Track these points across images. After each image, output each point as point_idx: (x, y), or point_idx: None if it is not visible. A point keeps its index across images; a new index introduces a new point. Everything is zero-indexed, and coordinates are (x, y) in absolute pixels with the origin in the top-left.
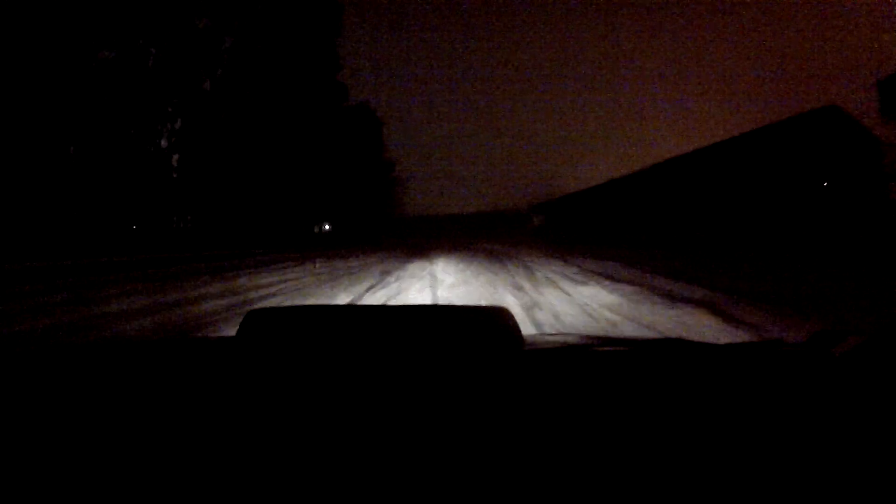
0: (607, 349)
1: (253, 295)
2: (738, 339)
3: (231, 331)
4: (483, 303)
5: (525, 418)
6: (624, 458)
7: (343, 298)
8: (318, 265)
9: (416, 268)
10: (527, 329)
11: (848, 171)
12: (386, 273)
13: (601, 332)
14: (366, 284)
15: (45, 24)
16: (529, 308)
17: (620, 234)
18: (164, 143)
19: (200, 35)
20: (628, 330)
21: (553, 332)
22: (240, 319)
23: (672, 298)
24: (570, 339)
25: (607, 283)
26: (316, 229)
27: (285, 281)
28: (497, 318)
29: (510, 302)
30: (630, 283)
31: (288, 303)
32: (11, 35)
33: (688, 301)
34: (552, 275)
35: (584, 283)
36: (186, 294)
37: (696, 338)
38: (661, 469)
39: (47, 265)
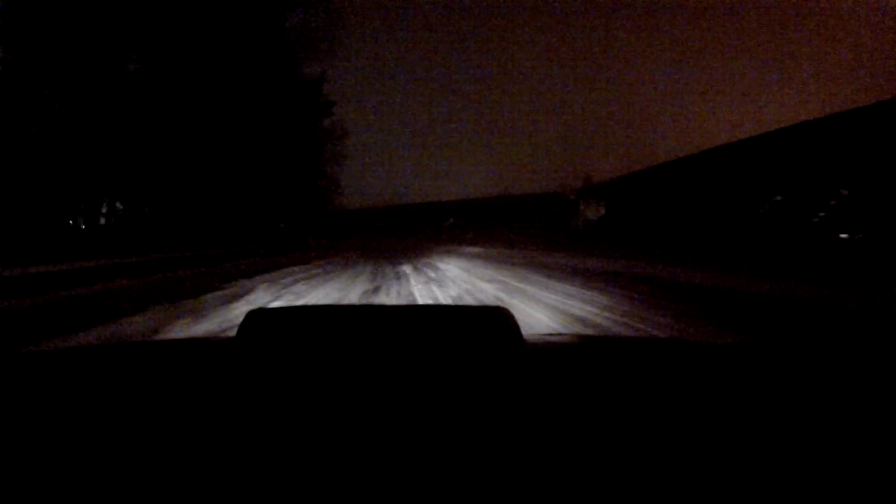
0: (607, 349)
1: None
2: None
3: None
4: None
5: (526, 418)
6: (625, 457)
7: None
8: None
9: None
10: None
11: None
12: None
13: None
14: None
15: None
16: None
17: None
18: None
19: None
20: None
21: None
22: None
23: None
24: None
25: None
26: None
27: None
28: (497, 318)
29: None
30: None
31: None
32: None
33: None
34: None
35: None
36: None
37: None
38: (661, 468)
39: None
